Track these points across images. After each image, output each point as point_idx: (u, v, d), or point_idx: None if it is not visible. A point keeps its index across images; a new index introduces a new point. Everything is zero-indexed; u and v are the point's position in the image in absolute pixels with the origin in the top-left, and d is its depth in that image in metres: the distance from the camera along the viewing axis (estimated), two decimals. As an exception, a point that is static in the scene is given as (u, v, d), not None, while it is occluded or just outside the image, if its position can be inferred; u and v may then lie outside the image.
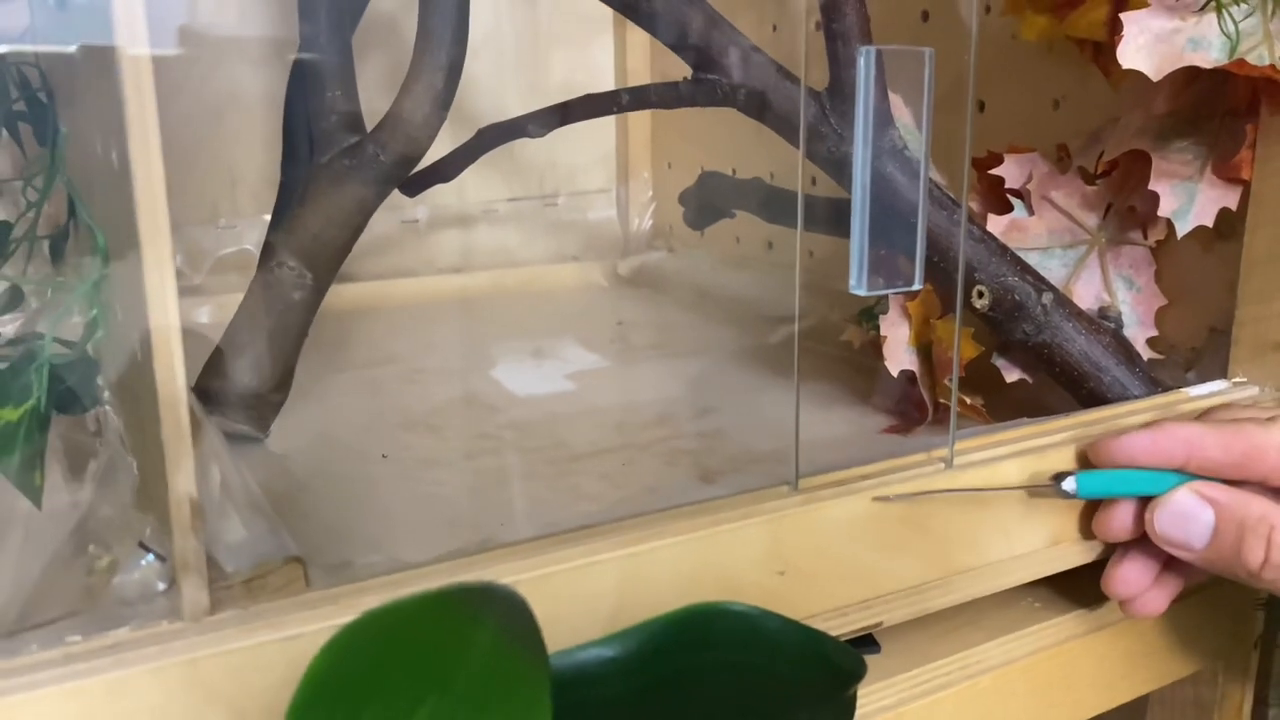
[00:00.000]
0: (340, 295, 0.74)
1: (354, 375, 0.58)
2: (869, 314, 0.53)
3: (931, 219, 0.43)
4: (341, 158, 0.46)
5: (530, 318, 0.74)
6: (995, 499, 0.34)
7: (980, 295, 0.41)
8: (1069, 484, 0.34)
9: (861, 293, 0.30)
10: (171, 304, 0.23)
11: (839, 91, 0.43)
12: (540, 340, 0.67)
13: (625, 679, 0.25)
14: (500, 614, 0.21)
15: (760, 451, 0.46)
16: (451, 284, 0.79)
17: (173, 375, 0.24)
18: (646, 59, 0.83)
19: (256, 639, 0.24)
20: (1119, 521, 0.35)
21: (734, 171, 0.76)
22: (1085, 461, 0.35)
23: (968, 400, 0.45)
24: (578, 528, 0.29)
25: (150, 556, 0.25)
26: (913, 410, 0.47)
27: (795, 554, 0.31)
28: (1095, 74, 0.49)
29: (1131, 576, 0.36)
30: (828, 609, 0.32)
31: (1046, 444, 0.36)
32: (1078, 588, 0.40)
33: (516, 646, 0.21)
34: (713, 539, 0.29)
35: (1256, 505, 0.33)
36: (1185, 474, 0.34)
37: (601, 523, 0.29)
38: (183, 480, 0.24)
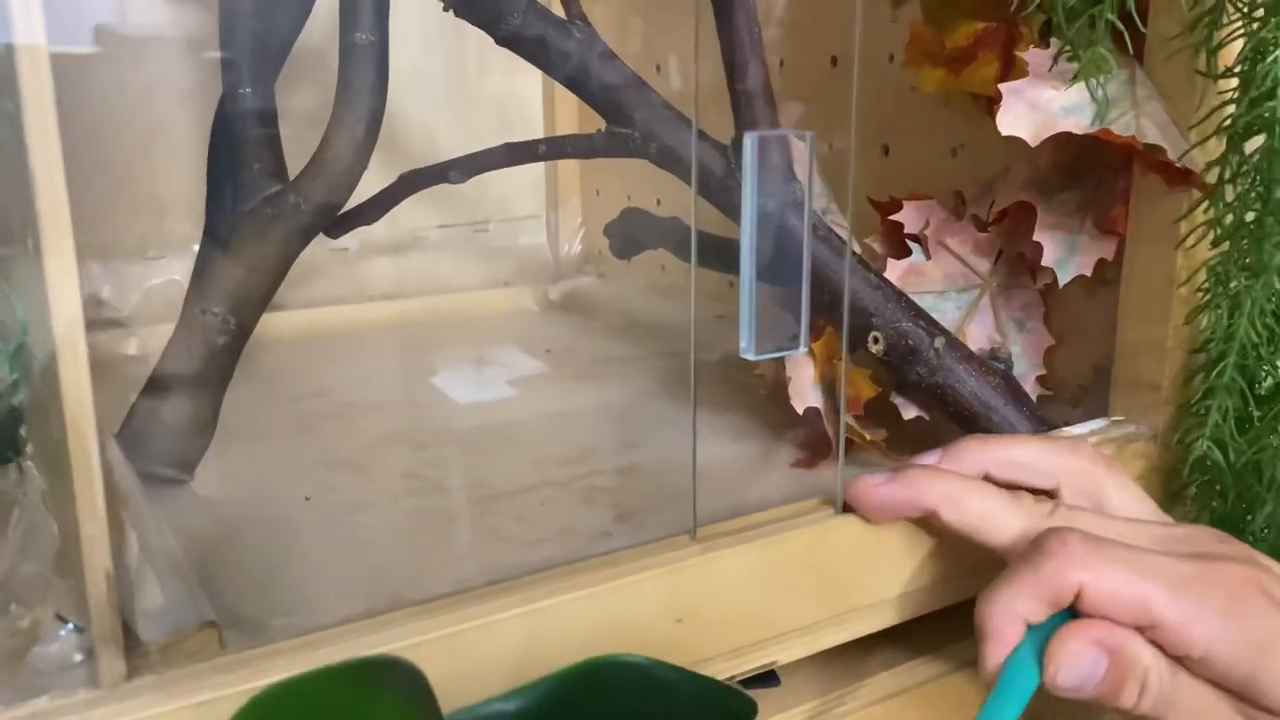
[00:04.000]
0: (270, 324, 0.74)
1: (282, 410, 0.59)
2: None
3: (829, 268, 0.45)
4: (264, 206, 0.47)
5: (461, 344, 0.76)
6: (885, 538, 0.36)
7: (876, 341, 0.44)
8: None
9: (751, 357, 0.32)
10: (86, 395, 0.25)
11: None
12: (469, 371, 0.69)
13: (525, 732, 0.27)
14: (400, 685, 0.23)
15: (675, 489, 0.47)
16: (383, 311, 0.80)
17: (88, 456, 0.25)
18: (572, 99, 0.84)
19: (172, 705, 0.25)
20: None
21: (658, 202, 0.78)
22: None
23: (869, 436, 0.47)
24: (484, 584, 0.30)
25: (69, 627, 0.27)
26: (819, 444, 0.49)
27: (693, 602, 0.33)
28: (990, 124, 0.52)
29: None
30: (724, 651, 0.34)
31: (933, 487, 0.38)
32: (966, 619, 0.42)
33: (415, 716, 0.23)
34: (614, 592, 0.31)
35: (1144, 653, 0.32)
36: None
37: (507, 579, 0.31)
38: (99, 557, 0.25)
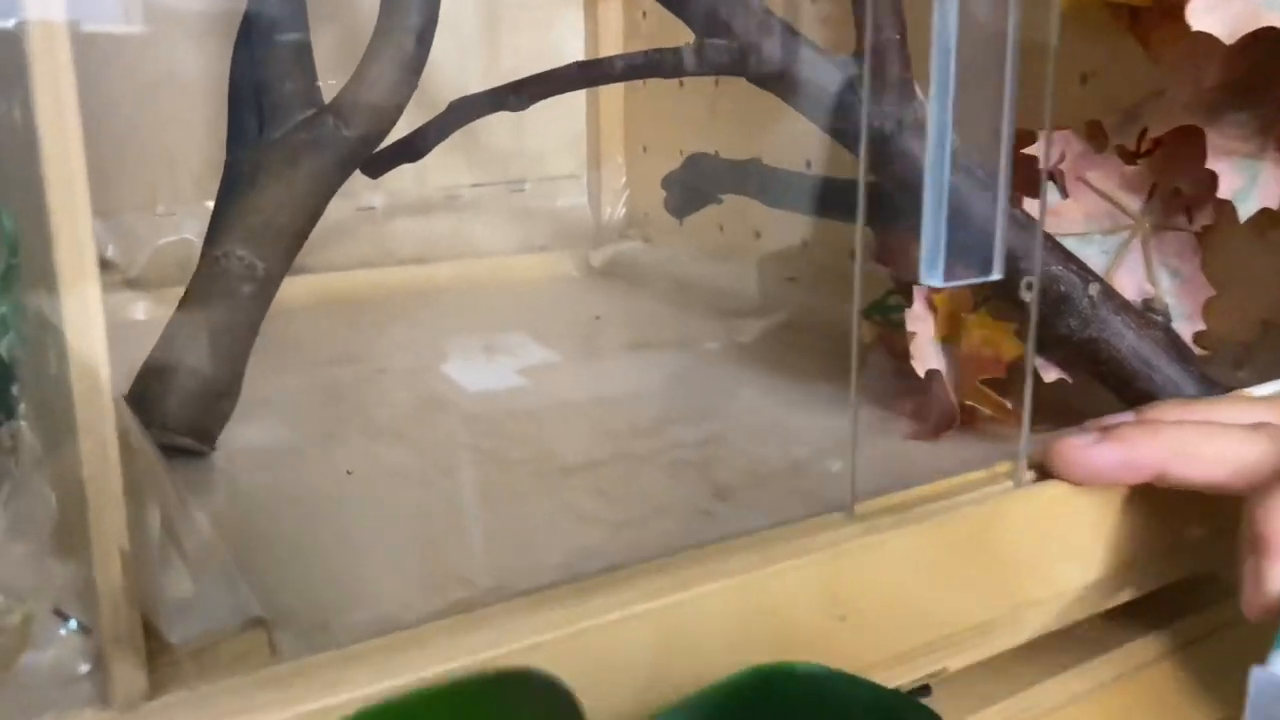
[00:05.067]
0: (292, 288, 0.68)
1: (310, 377, 0.53)
2: (881, 307, 0.48)
3: (963, 198, 0.38)
4: (297, 133, 0.41)
5: (499, 312, 0.69)
6: (1067, 519, 0.30)
7: (1030, 287, 0.37)
8: None
9: (937, 284, 0.25)
10: (94, 303, 0.18)
11: (864, 58, 0.38)
12: (513, 337, 0.62)
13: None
14: (540, 707, 0.16)
15: (773, 464, 0.41)
16: (412, 276, 0.73)
17: (96, 393, 0.18)
18: (620, 40, 0.78)
19: (211, 731, 0.19)
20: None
21: (716, 153, 0.71)
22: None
23: (1006, 404, 0.41)
24: (603, 570, 0.24)
25: (71, 625, 0.20)
26: (938, 414, 0.42)
27: (856, 594, 0.26)
28: (1128, 46, 0.45)
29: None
30: (890, 656, 0.27)
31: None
32: (1134, 612, 0.35)
33: (561, 749, 0.16)
34: (765, 581, 0.24)
35: None
36: None
37: (633, 563, 0.24)
38: (110, 530, 0.18)
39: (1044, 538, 0.29)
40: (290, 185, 0.41)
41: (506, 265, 0.77)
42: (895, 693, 0.24)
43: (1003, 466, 0.30)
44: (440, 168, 0.75)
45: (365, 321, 0.66)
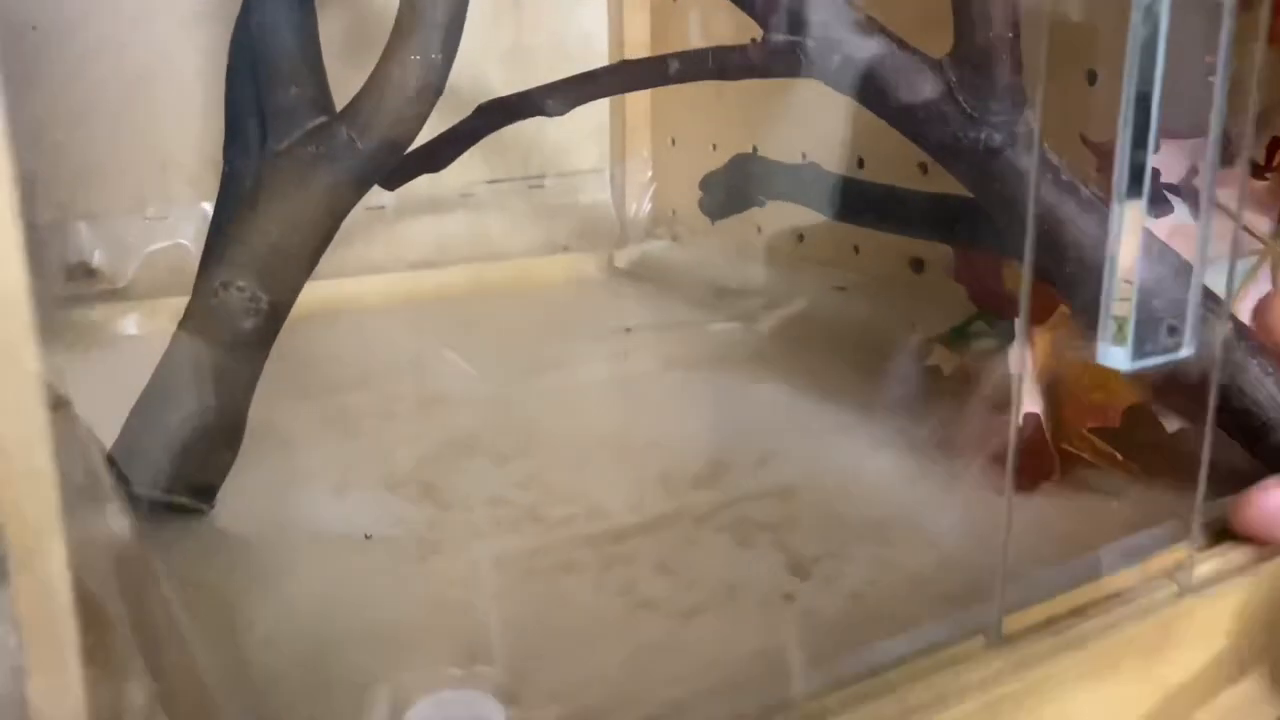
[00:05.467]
0: (295, 297, 0.63)
1: (318, 407, 0.48)
2: (962, 333, 0.43)
3: (1074, 223, 0.33)
4: (306, 144, 0.35)
5: (522, 322, 0.64)
6: (1243, 625, 0.25)
7: (1171, 332, 0.32)
8: None
9: (1125, 368, 0.20)
10: (39, 439, 0.13)
11: (968, 58, 0.33)
12: (539, 352, 0.57)
13: None
14: None
15: (850, 523, 0.36)
16: (424, 281, 0.68)
17: (44, 568, 0.13)
18: (647, 27, 0.72)
19: None
20: None
21: (754, 149, 0.66)
22: None
23: (1117, 455, 0.36)
24: (705, 734, 0.19)
25: None
26: (1038, 461, 0.37)
27: (1007, 745, 0.21)
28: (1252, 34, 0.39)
29: None
30: (1041, 813, 0.22)
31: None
32: None
33: None
34: (907, 745, 0.19)
35: None
36: None
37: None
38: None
39: (1216, 649, 0.24)
40: (298, 205, 0.35)
41: (526, 268, 0.71)
42: None
43: (1159, 561, 0.25)
44: (454, 164, 0.70)
45: (376, 334, 0.61)
